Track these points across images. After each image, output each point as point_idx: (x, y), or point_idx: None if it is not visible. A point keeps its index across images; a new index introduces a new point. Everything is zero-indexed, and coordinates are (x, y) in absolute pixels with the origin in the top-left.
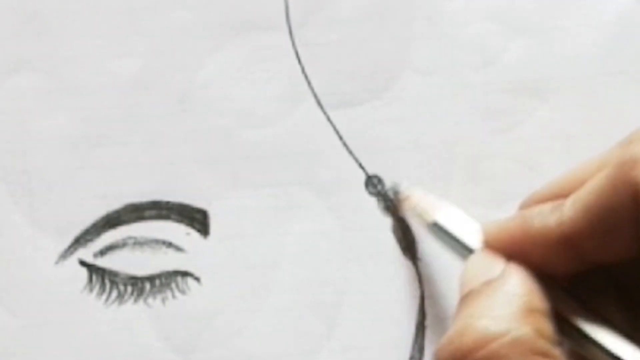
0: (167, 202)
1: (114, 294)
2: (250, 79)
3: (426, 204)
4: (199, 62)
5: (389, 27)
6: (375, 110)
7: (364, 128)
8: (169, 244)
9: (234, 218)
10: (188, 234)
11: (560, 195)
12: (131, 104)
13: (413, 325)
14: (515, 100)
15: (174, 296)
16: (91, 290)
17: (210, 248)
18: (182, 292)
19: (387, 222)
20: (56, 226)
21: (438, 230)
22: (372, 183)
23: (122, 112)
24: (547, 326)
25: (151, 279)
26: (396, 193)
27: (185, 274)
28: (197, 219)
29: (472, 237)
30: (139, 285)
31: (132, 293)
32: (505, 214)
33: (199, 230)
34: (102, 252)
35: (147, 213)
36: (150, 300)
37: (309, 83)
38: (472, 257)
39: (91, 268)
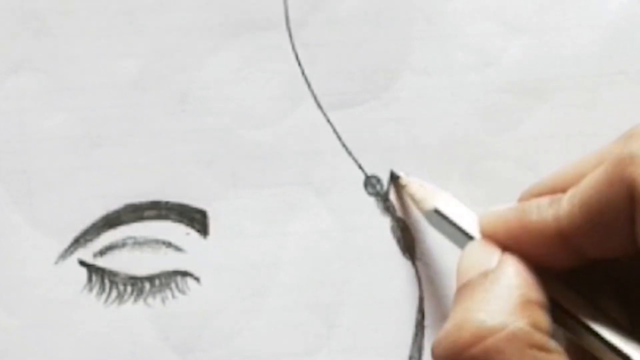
0: (167, 202)
1: (114, 294)
2: (250, 79)
3: (425, 191)
4: (199, 62)
5: (389, 27)
6: (375, 110)
7: (363, 128)
8: (169, 244)
9: (234, 218)
10: (188, 234)
11: (558, 189)
12: (131, 104)
13: (413, 325)
14: (515, 100)
15: (173, 296)
16: (91, 290)
17: (210, 248)
18: (182, 292)
19: (386, 222)
20: (56, 226)
21: (437, 217)
22: (371, 183)
23: (122, 112)
24: (544, 319)
25: (151, 279)
26: (395, 180)
27: (185, 274)
28: (196, 219)
29: (470, 225)
30: (138, 285)
31: (131, 293)
32: None
33: (198, 230)
34: (102, 252)
35: (147, 213)
36: (150, 300)
37: (308, 83)
38: (469, 246)
39: (91, 268)
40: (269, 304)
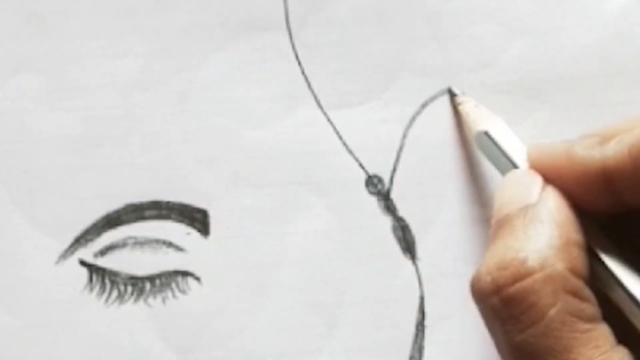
0: (168, 202)
1: (114, 294)
2: (250, 79)
3: (479, 113)
4: (199, 62)
5: (389, 27)
6: (375, 110)
7: (364, 128)
8: (170, 244)
9: (234, 218)
10: (188, 233)
11: (609, 136)
12: (131, 104)
13: (413, 325)
14: (515, 101)
15: (174, 296)
16: (91, 290)
17: (211, 248)
18: (183, 292)
19: (387, 221)
20: (56, 226)
21: (485, 140)
22: (372, 183)
23: (122, 112)
24: (581, 262)
25: (151, 278)
26: (452, 97)
27: (185, 273)
28: (197, 219)
29: (517, 154)
30: (139, 285)
31: (132, 293)
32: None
33: (199, 230)
34: (103, 252)
35: (147, 213)
36: (150, 300)
37: (308, 83)
38: (510, 174)
39: (91, 268)
40: (270, 304)
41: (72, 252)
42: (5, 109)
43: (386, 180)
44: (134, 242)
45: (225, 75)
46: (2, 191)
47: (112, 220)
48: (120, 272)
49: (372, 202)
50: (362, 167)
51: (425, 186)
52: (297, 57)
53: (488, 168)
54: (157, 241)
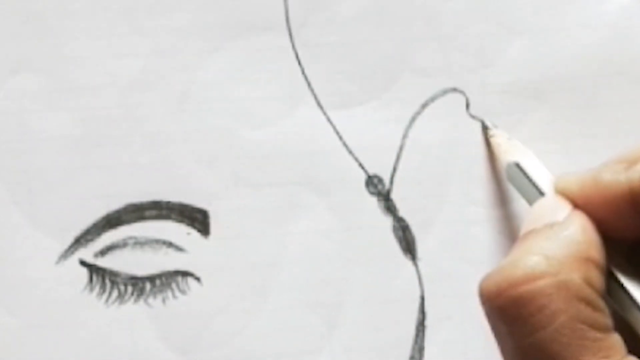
0: (168, 202)
1: (115, 294)
2: (250, 79)
3: (510, 144)
4: (199, 62)
5: (389, 28)
6: (375, 110)
7: (364, 128)
8: (170, 244)
9: (235, 218)
10: (189, 234)
11: (633, 161)
12: (131, 104)
13: (413, 325)
14: (514, 101)
15: (174, 296)
16: (91, 290)
17: (211, 248)
18: (183, 292)
19: (387, 221)
20: (56, 226)
21: (515, 170)
22: (373, 183)
23: (122, 112)
24: (598, 278)
25: (151, 279)
26: (485, 129)
27: (185, 274)
28: (197, 219)
29: (546, 183)
30: (139, 285)
31: (132, 293)
32: (505, 214)
33: (199, 230)
34: (103, 252)
35: (148, 213)
36: (150, 300)
37: (308, 83)
38: (540, 201)
39: (91, 268)
40: (270, 304)
41: (72, 252)
42: (5, 109)
43: (386, 180)
44: (134, 242)
45: (225, 75)
46: (2, 191)
47: (112, 220)
48: (120, 272)
49: (373, 202)
50: (362, 167)
51: (425, 186)
52: (297, 57)
53: (488, 169)
54: (157, 241)
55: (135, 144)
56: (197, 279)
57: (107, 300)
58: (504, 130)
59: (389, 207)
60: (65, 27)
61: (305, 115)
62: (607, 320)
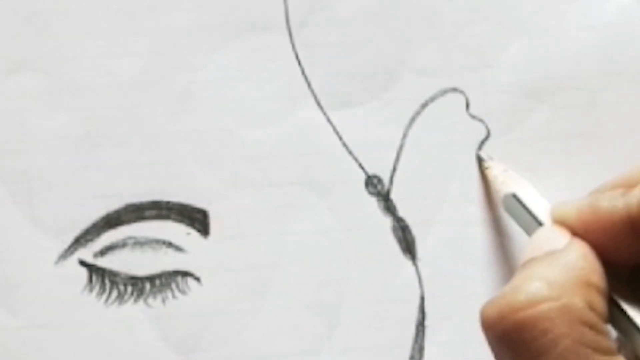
0: (167, 202)
1: (114, 294)
2: (250, 79)
3: (507, 176)
4: (199, 62)
5: (389, 27)
6: (375, 110)
7: (364, 128)
8: (169, 244)
9: (234, 218)
10: (188, 234)
11: (630, 185)
12: (131, 104)
13: (413, 325)
14: (514, 101)
15: (174, 296)
16: (91, 290)
17: (211, 248)
18: (182, 292)
19: (387, 221)
20: (56, 226)
21: (513, 202)
22: (372, 183)
23: (122, 112)
24: (600, 303)
25: (151, 279)
26: (480, 161)
27: (185, 274)
28: (197, 219)
29: (544, 213)
30: (139, 286)
31: (132, 293)
32: (505, 214)
33: (199, 230)
34: (102, 252)
35: (147, 213)
36: (150, 300)
37: (308, 83)
38: (539, 231)
39: (91, 268)
40: (270, 304)
41: (72, 252)
42: (5, 109)
43: (386, 180)
44: (134, 242)
45: (225, 75)
46: (2, 191)
47: (112, 220)
48: (120, 272)
49: (372, 203)
50: (362, 168)
51: (425, 186)
52: (297, 57)
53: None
54: (157, 241)
55: (135, 144)
56: (197, 279)
57: (106, 301)
58: (500, 158)
59: (389, 207)
60: (65, 27)
61: (305, 115)
62: (610, 343)
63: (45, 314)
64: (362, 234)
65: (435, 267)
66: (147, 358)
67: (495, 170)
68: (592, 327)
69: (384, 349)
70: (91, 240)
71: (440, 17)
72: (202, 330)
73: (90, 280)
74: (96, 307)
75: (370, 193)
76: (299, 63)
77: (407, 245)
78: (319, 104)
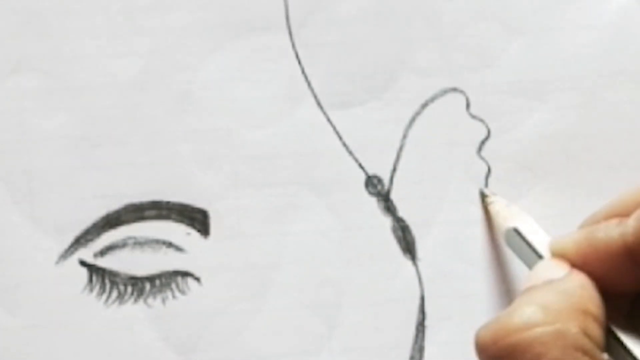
0: (167, 202)
1: (114, 294)
2: (250, 79)
3: (509, 211)
4: (199, 62)
5: (389, 27)
6: (375, 110)
7: (364, 128)
8: (169, 244)
9: (234, 218)
10: (188, 234)
11: (623, 214)
12: (131, 104)
13: (413, 325)
14: (515, 101)
15: (174, 296)
16: (91, 290)
17: (211, 248)
18: (182, 292)
19: (387, 222)
20: (56, 226)
21: (514, 236)
22: (372, 183)
23: (122, 112)
24: (596, 330)
25: (151, 279)
26: (483, 197)
27: (185, 274)
28: (197, 219)
29: (545, 247)
30: (139, 286)
31: (132, 293)
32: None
33: (199, 230)
34: (102, 252)
35: (147, 213)
36: (150, 300)
37: (309, 83)
38: (539, 263)
39: (91, 268)
40: (270, 304)
41: (72, 252)
42: (5, 109)
43: (386, 180)
44: (134, 242)
45: (225, 75)
46: (2, 191)
47: (112, 220)
48: (120, 272)
49: (372, 203)
50: (362, 168)
51: (425, 186)
52: (297, 57)
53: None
54: (157, 241)
55: (135, 144)
56: (197, 279)
57: (106, 301)
58: (503, 196)
59: (389, 207)
60: (65, 27)
61: (305, 115)
62: None
63: (45, 314)
64: (362, 234)
65: (435, 267)
66: (147, 358)
67: (497, 206)
68: (586, 352)
69: (384, 349)
70: (91, 240)
71: (440, 17)
72: (202, 330)
73: (90, 280)
74: (96, 307)
75: (370, 193)
76: (299, 63)
77: (407, 245)
78: (319, 104)
